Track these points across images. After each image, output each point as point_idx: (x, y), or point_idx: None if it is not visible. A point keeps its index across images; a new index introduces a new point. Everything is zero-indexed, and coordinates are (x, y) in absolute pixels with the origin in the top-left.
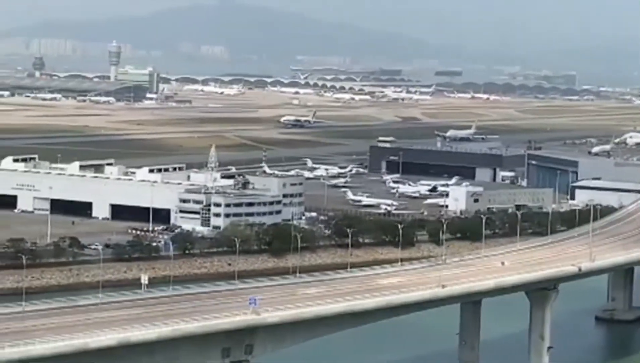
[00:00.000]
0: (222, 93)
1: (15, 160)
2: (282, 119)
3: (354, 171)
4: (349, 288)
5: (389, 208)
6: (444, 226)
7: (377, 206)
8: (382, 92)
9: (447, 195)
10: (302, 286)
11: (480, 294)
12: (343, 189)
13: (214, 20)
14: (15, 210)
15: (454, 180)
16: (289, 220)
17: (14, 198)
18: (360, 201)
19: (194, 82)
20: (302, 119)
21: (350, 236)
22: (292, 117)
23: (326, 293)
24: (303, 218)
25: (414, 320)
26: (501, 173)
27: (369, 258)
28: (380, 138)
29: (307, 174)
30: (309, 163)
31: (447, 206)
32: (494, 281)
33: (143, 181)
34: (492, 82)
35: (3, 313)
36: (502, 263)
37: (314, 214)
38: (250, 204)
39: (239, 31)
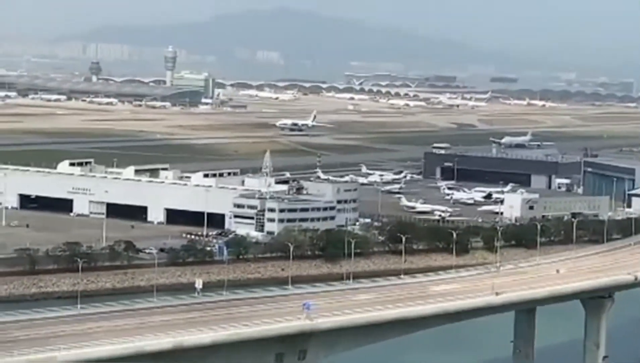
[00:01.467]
0: (277, 98)
1: (72, 164)
2: (277, 123)
3: (408, 177)
4: (401, 295)
5: (443, 215)
6: (499, 233)
7: (432, 212)
8: (437, 98)
9: (502, 202)
10: (356, 292)
11: (534, 302)
12: (397, 196)
13: (269, 25)
14: (71, 214)
15: (509, 187)
16: (343, 226)
17: (70, 201)
18: (414, 207)
19: (249, 87)
20: (300, 123)
21: (404, 242)
22: (289, 121)
23: (379, 300)
24: (357, 223)
25: (467, 328)
26: (557, 180)
27: (423, 264)
28: (435, 144)
29: (361, 180)
30: (364, 169)
31: (502, 213)
32: (549, 289)
33: (198, 185)
34: (548, 89)
35: (60, 316)
36: (557, 271)
37: (368, 220)
38: (304, 209)
39: (294, 37)
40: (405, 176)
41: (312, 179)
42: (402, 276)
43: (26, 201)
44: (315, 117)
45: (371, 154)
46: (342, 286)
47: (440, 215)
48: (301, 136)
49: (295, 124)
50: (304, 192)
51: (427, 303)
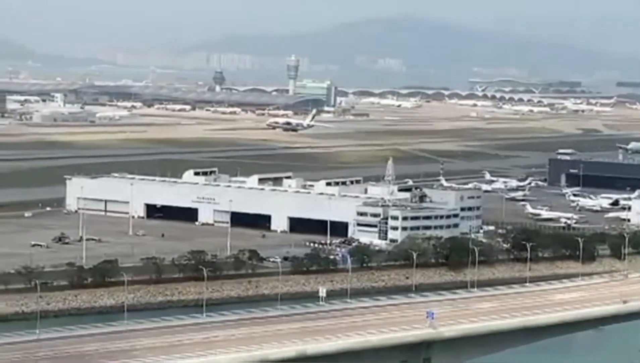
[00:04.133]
0: (399, 106)
1: (196, 173)
2: (267, 122)
3: (533, 184)
4: (526, 303)
5: (569, 222)
6: (626, 240)
7: (557, 219)
8: (562, 104)
9: (629, 209)
10: (479, 300)
11: None
12: (522, 203)
13: (391, 33)
14: (196, 223)
15: (636, 193)
16: (467, 234)
17: (195, 210)
18: (539, 214)
19: (371, 95)
20: (294, 122)
21: (528, 250)
22: (281, 120)
23: (503, 308)
24: (481, 231)
25: (594, 336)
26: None
27: (548, 272)
28: (560, 151)
29: (485, 187)
30: (487, 176)
31: (629, 220)
32: None
33: (321, 194)
34: None
35: (186, 324)
36: None
37: (491, 227)
38: (427, 217)
39: (416, 44)
40: (529, 183)
41: (435, 186)
42: (527, 284)
43: (152, 211)
44: (314, 116)
45: (495, 161)
46: (466, 294)
47: (565, 222)
48: (425, 143)
49: (289, 123)
50: (427, 200)
51: (554, 311)
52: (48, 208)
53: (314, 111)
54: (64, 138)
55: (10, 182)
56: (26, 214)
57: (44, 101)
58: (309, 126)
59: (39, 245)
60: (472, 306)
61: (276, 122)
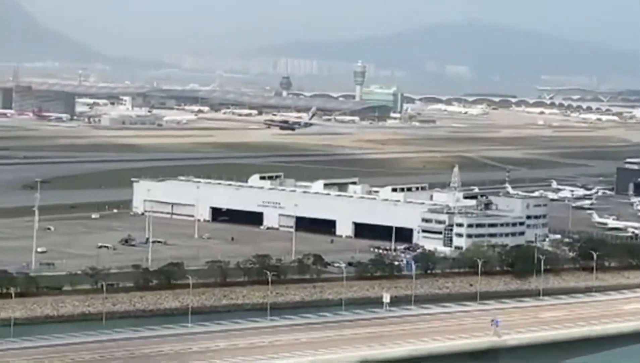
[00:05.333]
0: (465, 113)
1: (262, 178)
2: (264, 120)
3: (600, 193)
4: (592, 313)
5: (636, 231)
6: None
7: (624, 229)
8: (630, 112)
9: None
10: (544, 309)
11: None
12: (588, 212)
13: (459, 39)
14: (262, 227)
15: None
16: (532, 242)
17: (260, 214)
18: (606, 223)
19: (437, 101)
20: (291, 120)
21: (595, 259)
22: (278, 118)
23: (569, 317)
24: (546, 239)
25: None
26: None
27: (615, 282)
28: (628, 160)
29: (551, 195)
30: (554, 184)
31: None
32: None
33: (386, 200)
34: None
35: (249, 328)
36: None
37: (558, 236)
38: (492, 225)
39: (483, 50)
40: (596, 192)
41: (501, 194)
42: (593, 293)
43: (218, 214)
44: (313, 114)
45: (562, 169)
46: (532, 303)
47: (633, 232)
48: (492, 151)
49: (286, 122)
50: (493, 207)
51: (619, 321)
52: (115, 210)
53: (314, 109)
54: (132, 140)
55: (78, 184)
56: (93, 216)
57: (112, 104)
58: (308, 125)
59: (105, 246)
60: (538, 315)
61: (272, 120)
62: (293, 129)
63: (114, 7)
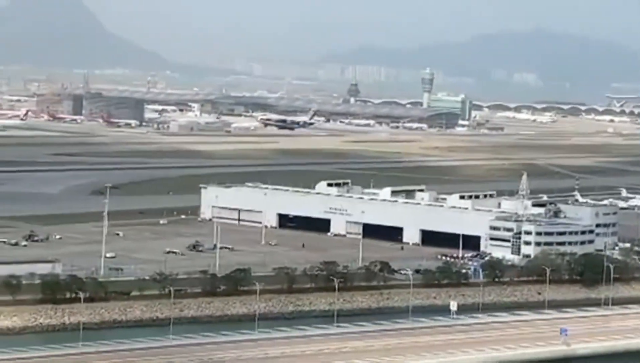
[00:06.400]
0: (534, 120)
1: (329, 184)
2: (259, 118)
3: None
4: None
5: None
6: None
7: None
8: None
9: None
10: (614, 318)
11: None
12: None
13: (527, 46)
14: (329, 233)
15: None
16: (602, 250)
17: (328, 221)
18: None
19: (506, 109)
20: (289, 119)
21: None
22: (275, 116)
23: (639, 327)
24: (616, 248)
25: None
26: None
27: None
28: None
29: (621, 203)
30: (624, 193)
31: None
32: None
33: (454, 207)
34: None
35: (316, 335)
36: None
37: (627, 245)
38: (561, 233)
39: (552, 58)
40: None
41: (570, 202)
42: None
43: (285, 221)
44: (314, 114)
45: (631, 177)
46: (602, 312)
47: None
48: (561, 159)
49: (284, 121)
50: (562, 215)
51: None
52: (183, 216)
53: (314, 108)
54: (200, 147)
55: (146, 190)
56: (161, 222)
57: (181, 110)
58: (307, 124)
59: (173, 252)
60: (607, 324)
61: (269, 119)
62: (292, 128)
63: (182, 15)
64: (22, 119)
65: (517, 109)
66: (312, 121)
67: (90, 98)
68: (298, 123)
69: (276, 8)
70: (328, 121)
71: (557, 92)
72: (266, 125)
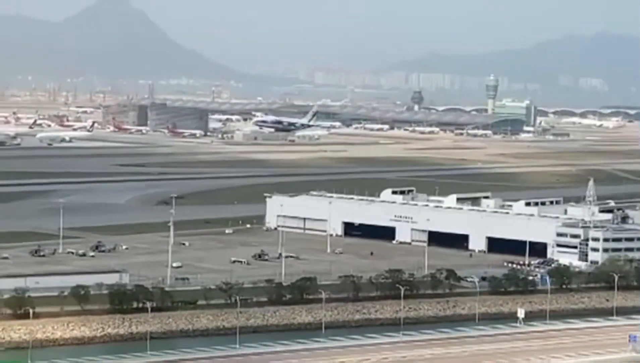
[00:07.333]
0: (600, 126)
1: (394, 192)
2: (254, 120)
3: None
4: None
5: None
6: None
7: None
8: None
9: None
10: None
11: None
12: None
13: (592, 51)
14: (394, 241)
15: None
16: None
17: (393, 229)
18: None
19: (571, 114)
20: (286, 121)
21: None
22: (270, 118)
23: None
24: None
25: None
26: None
27: None
28: None
29: None
30: None
31: None
32: None
33: (520, 214)
34: None
35: (383, 342)
36: None
37: None
38: (629, 239)
39: (617, 62)
40: None
41: (637, 208)
42: None
43: (350, 229)
44: (314, 115)
45: None
46: None
47: None
48: (628, 164)
49: (280, 123)
50: (630, 221)
51: None
52: (248, 225)
53: (315, 107)
54: (264, 156)
55: (211, 199)
56: (227, 231)
57: (245, 120)
58: (306, 126)
59: (239, 261)
60: None
61: (264, 121)
62: (288, 130)
63: (245, 26)
64: (88, 131)
65: (583, 115)
66: (311, 123)
67: (155, 109)
68: (294, 124)
69: (340, 17)
70: (392, 128)
71: (623, 96)
72: (261, 127)
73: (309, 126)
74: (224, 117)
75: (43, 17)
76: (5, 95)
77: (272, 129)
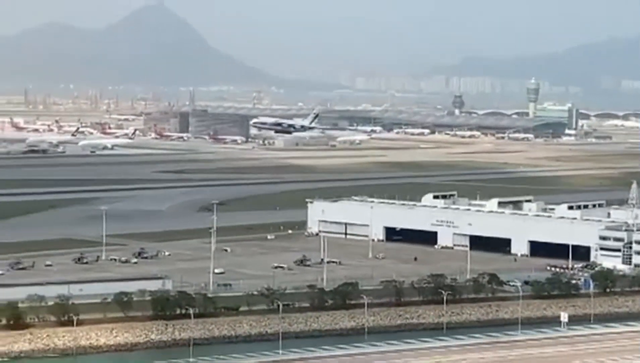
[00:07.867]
0: None
1: (436, 197)
2: (252, 121)
3: None
4: None
5: None
6: None
7: None
8: None
9: None
10: None
11: None
12: None
13: (634, 53)
14: (436, 246)
15: None
16: None
17: (434, 234)
18: None
19: (614, 117)
20: (285, 122)
21: None
22: (270, 120)
23: None
24: None
25: None
26: None
27: None
28: None
29: None
30: None
31: None
32: None
33: (562, 217)
34: None
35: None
36: None
37: None
38: None
39: None
40: None
41: None
42: None
43: (391, 234)
44: (315, 116)
45: None
46: None
47: None
48: None
49: (279, 124)
50: None
51: None
52: (290, 231)
53: (317, 108)
54: (305, 161)
55: (253, 205)
56: (269, 237)
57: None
58: (308, 128)
59: (281, 267)
60: None
61: (263, 123)
62: (289, 132)
63: (285, 31)
64: (130, 138)
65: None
66: (312, 125)
67: (196, 115)
68: (294, 126)
69: (380, 23)
70: (433, 133)
71: None
72: (260, 129)
73: (310, 128)
74: None
75: (85, 26)
76: (48, 103)
77: (272, 131)
